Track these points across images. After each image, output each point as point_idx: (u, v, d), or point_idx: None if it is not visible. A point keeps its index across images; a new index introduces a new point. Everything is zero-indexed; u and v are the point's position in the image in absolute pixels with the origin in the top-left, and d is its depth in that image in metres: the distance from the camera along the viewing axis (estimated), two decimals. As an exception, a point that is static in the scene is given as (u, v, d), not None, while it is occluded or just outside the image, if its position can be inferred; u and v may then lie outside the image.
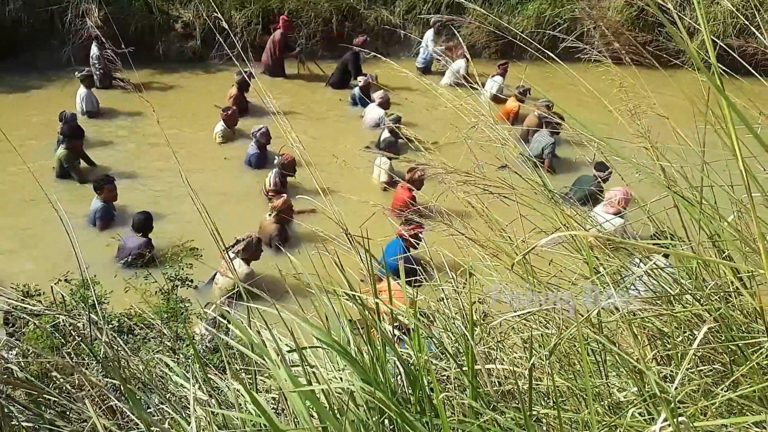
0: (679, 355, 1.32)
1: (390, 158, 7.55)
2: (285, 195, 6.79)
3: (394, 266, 5.40)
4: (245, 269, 5.81)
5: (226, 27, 2.18)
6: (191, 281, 3.22)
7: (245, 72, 8.97)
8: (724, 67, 1.83)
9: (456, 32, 10.80)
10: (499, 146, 2.00)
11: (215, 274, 5.89)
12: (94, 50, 9.59)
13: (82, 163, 7.84)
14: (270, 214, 6.60)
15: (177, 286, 3.13)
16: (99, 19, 10.09)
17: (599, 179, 6.70)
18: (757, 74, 1.84)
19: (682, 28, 1.62)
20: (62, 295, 2.39)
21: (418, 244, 5.14)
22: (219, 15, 2.36)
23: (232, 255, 5.87)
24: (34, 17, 10.10)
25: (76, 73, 9.05)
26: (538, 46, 2.31)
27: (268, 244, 6.43)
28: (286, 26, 10.47)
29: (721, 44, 1.94)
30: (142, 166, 7.99)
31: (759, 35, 2.07)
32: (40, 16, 10.14)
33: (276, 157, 7.49)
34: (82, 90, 8.99)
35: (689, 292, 1.33)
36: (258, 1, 10.94)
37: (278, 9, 11.04)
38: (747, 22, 11.28)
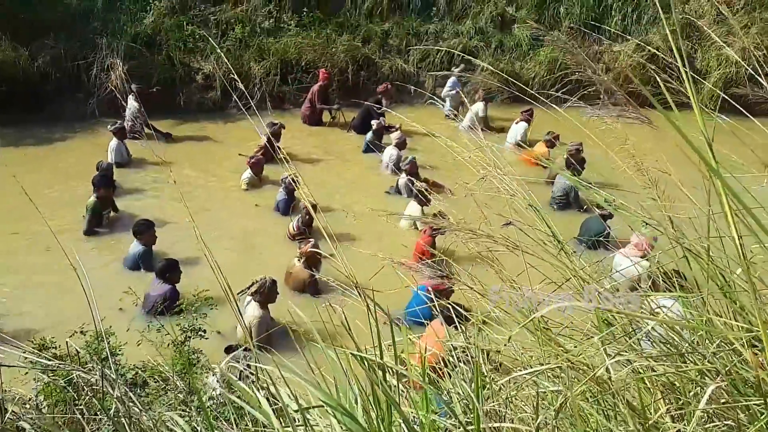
0: (691, 411, 1.29)
1: (421, 204, 7.64)
2: (312, 239, 6.74)
3: (417, 315, 5.34)
4: (258, 313, 5.80)
5: (237, 79, 2.25)
6: (204, 331, 3.24)
7: (276, 123, 9.41)
8: (734, 111, 1.85)
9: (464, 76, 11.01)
10: (509, 197, 2.03)
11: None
12: (133, 104, 9.89)
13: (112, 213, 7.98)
14: (299, 259, 6.61)
15: (190, 337, 3.14)
16: (124, 73, 10.48)
17: (602, 216, 6.71)
18: (752, 117, 1.84)
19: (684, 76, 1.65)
20: (76, 349, 2.41)
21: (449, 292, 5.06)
22: (233, 72, 2.44)
23: (248, 299, 5.93)
24: (62, 72, 10.48)
25: (109, 126, 9.30)
26: (549, 93, 2.35)
27: (302, 291, 6.49)
28: (326, 79, 10.74)
29: (721, 93, 1.96)
30: (171, 214, 8.09)
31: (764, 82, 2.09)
32: (67, 70, 10.52)
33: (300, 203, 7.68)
34: (114, 142, 9.16)
35: (697, 349, 1.31)
36: (276, 53, 11.26)
37: (295, 60, 11.35)
38: (756, 65, 11.31)
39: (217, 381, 2.75)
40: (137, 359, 3.39)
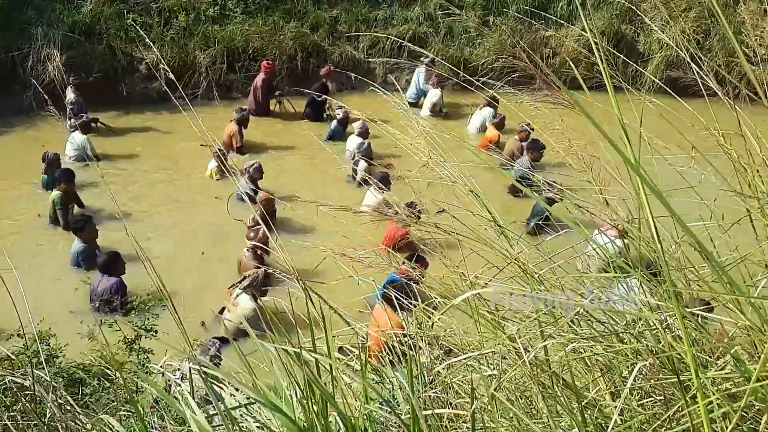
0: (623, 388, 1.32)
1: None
2: (262, 227, 6.66)
3: (384, 292, 5.40)
4: (251, 305, 5.84)
5: (167, 69, 2.18)
6: (156, 332, 3.15)
7: (244, 109, 9.46)
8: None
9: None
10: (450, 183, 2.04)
11: (223, 309, 5.92)
12: (71, 96, 9.52)
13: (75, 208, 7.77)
14: (248, 250, 6.54)
15: (141, 336, 3.06)
16: (61, 63, 10.07)
17: (547, 199, 6.84)
18: (678, 98, 1.88)
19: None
20: (7, 354, 2.31)
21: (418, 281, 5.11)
22: (163, 62, 2.36)
23: (238, 290, 5.95)
24: (-5, 64, 10.01)
25: (72, 120, 9.05)
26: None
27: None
28: (268, 71, 10.54)
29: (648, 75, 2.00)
30: (131, 208, 8.05)
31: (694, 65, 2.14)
32: (1, 62, 10.04)
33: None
34: (79, 136, 8.85)
35: (628, 329, 1.34)
36: (222, 41, 11.01)
37: (242, 48, 11.13)
38: (694, 49, 11.68)
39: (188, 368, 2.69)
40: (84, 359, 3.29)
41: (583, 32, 11.96)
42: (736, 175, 1.47)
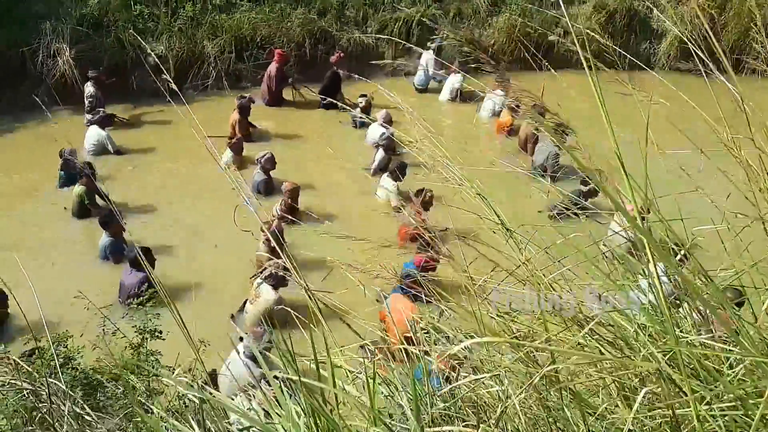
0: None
1: (395, 180, 7.72)
2: (276, 220, 6.79)
3: (405, 274, 5.48)
4: (273, 295, 5.95)
5: (158, 62, 2.17)
6: (160, 332, 3.17)
7: (245, 96, 9.42)
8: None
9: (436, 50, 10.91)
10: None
11: (245, 303, 6.00)
12: (90, 90, 9.61)
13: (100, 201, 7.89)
14: (262, 243, 6.54)
15: (147, 338, 3.09)
16: (71, 58, 10.10)
17: (583, 193, 6.75)
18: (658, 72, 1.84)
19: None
20: (14, 361, 2.34)
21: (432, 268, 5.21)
22: (153, 58, 2.35)
23: (259, 281, 6.05)
24: (4, 59, 10.04)
25: (89, 116, 9.21)
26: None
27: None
28: (281, 59, 10.48)
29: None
30: (152, 201, 8.15)
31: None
32: (10, 57, 10.08)
33: (282, 184, 7.71)
34: (98, 131, 9.00)
35: (638, 339, 1.32)
36: (230, 30, 10.95)
37: (250, 36, 11.07)
38: (707, 27, 11.47)
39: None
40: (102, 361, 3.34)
41: (594, 9, 11.79)
42: (747, 180, 1.44)
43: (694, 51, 1.99)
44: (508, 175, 2.55)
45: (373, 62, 9.41)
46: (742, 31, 10.84)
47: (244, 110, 9.43)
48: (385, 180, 7.99)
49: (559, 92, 2.66)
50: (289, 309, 2.33)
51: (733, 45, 11.07)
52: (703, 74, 1.91)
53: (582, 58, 1.91)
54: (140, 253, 6.13)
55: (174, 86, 2.43)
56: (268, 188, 8.11)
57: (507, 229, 1.93)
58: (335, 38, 11.46)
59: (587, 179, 6.88)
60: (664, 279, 1.61)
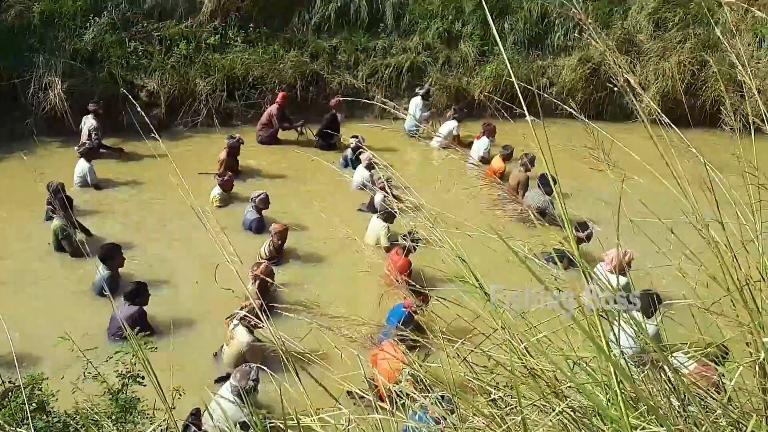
0: None
1: (386, 221, 7.79)
2: (266, 262, 6.87)
3: (393, 327, 5.51)
4: (246, 338, 5.88)
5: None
6: (142, 378, 3.14)
7: (234, 137, 9.54)
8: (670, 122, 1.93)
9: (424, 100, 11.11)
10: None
11: (222, 347, 5.94)
12: (92, 122, 9.74)
13: (79, 235, 7.80)
14: (252, 283, 6.47)
15: (127, 384, 3.05)
16: (62, 91, 10.17)
17: (579, 238, 6.84)
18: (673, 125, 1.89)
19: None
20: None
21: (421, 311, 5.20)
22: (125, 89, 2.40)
23: (235, 322, 5.97)
24: (-4, 90, 10.10)
25: (76, 147, 9.23)
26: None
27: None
28: (284, 102, 10.70)
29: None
30: (141, 235, 8.12)
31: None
32: (2, 88, 10.13)
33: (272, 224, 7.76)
34: (83, 163, 9.04)
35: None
36: (222, 69, 11.12)
37: (242, 76, 11.23)
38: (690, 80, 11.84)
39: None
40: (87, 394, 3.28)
41: (579, 62, 12.12)
42: (716, 258, 1.50)
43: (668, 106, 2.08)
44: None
45: (365, 101, 9.64)
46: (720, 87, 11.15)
47: (233, 150, 9.52)
48: (376, 221, 8.04)
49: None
50: (264, 351, 2.35)
51: (714, 100, 11.39)
52: (676, 130, 1.97)
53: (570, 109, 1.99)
54: (134, 288, 6.22)
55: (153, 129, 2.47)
56: (259, 227, 8.16)
57: (485, 293, 1.97)
58: (326, 81, 11.66)
59: (585, 223, 6.99)
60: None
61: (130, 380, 3.02)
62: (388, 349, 4.92)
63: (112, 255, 6.83)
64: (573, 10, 1.63)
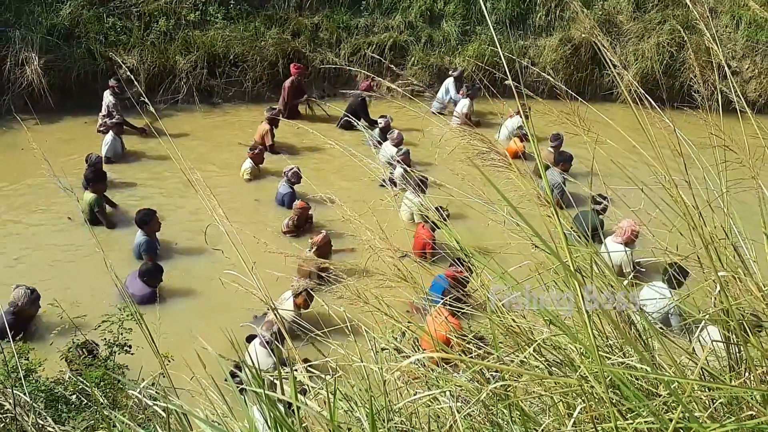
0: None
1: (418, 195, 7.76)
2: (324, 231, 6.96)
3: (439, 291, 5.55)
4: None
5: (128, 70, 2.24)
6: (129, 347, 3.19)
7: (274, 108, 9.72)
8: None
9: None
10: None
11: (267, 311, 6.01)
12: (110, 99, 9.72)
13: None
14: (310, 249, 6.68)
15: (115, 352, 3.10)
16: (39, 67, 10.01)
17: (596, 211, 6.94)
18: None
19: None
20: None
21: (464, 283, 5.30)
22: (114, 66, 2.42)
23: (287, 294, 6.08)
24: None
25: (107, 120, 9.35)
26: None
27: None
28: (297, 73, 10.62)
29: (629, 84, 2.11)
30: (166, 209, 8.00)
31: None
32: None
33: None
34: (109, 136, 9.13)
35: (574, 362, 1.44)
36: (203, 47, 11.01)
37: (223, 53, 11.14)
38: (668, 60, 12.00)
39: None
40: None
41: (560, 42, 12.20)
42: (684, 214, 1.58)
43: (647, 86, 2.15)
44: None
45: (390, 85, 9.65)
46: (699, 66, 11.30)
47: (273, 121, 9.58)
48: (409, 197, 8.06)
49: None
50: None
51: (691, 81, 11.55)
52: (657, 107, 2.05)
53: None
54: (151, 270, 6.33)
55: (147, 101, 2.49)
56: (291, 201, 8.24)
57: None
58: (308, 59, 11.60)
59: (602, 195, 6.96)
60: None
61: (119, 348, 3.07)
62: (437, 316, 5.01)
63: (147, 220, 6.95)
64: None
